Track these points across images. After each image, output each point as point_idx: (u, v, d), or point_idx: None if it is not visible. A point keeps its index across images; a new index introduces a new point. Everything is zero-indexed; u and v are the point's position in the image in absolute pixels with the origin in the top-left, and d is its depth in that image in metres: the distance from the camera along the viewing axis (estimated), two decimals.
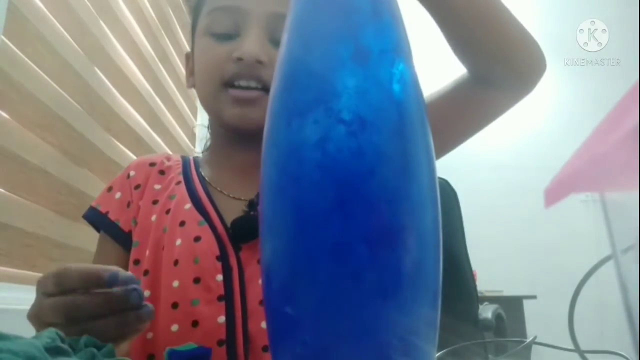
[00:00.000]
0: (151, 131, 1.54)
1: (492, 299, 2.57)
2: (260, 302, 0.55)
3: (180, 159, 0.70)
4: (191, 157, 0.71)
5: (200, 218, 0.60)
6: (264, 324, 0.54)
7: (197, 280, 0.56)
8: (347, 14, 0.27)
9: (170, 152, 1.67)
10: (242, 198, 0.62)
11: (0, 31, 0.80)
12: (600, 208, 0.22)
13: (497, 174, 3.50)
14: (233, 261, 0.57)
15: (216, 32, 0.61)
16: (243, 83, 0.59)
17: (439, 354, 0.40)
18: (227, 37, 0.61)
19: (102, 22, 1.21)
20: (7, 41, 0.84)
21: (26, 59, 0.89)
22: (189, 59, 0.70)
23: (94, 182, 1.11)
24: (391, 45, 0.28)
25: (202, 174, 0.67)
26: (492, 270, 2.90)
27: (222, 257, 0.57)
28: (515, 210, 3.37)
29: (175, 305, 0.55)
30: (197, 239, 0.58)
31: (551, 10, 3.65)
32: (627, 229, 0.20)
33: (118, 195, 0.65)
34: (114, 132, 1.26)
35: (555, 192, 0.20)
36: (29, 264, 0.89)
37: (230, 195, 0.63)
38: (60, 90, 1.01)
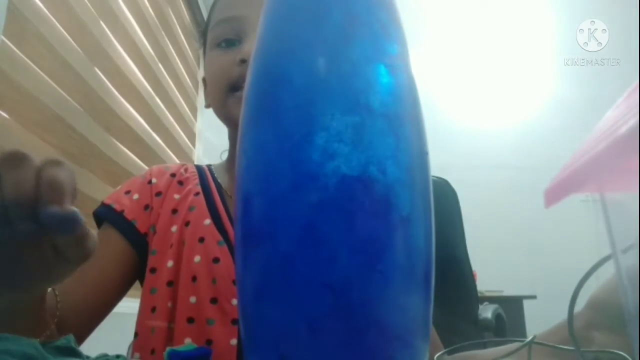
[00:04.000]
0: (151, 131, 1.54)
1: (492, 299, 2.57)
2: None
3: (195, 169, 0.71)
4: (205, 167, 0.72)
5: (219, 237, 0.61)
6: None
7: (214, 301, 0.57)
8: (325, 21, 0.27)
9: (170, 153, 1.67)
10: None
11: (0, 31, 0.80)
12: (600, 208, 0.22)
13: (497, 174, 3.50)
14: None
15: (220, 43, 0.65)
16: None
17: (438, 353, 0.40)
18: (231, 44, 0.64)
19: (102, 22, 1.21)
20: (7, 41, 0.84)
21: (26, 59, 0.89)
22: (205, 82, 0.73)
23: (94, 182, 1.11)
24: (377, 50, 0.28)
25: (220, 183, 0.68)
26: (492, 270, 2.90)
27: None
28: (515, 210, 3.37)
29: (190, 320, 0.57)
30: (215, 260, 0.59)
31: (551, 10, 3.65)
32: (627, 229, 0.20)
33: (136, 196, 0.66)
34: (114, 132, 1.26)
35: (555, 192, 0.20)
36: None
37: None
38: (60, 90, 1.01)
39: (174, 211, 0.64)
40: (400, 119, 0.26)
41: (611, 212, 0.21)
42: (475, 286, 1.16)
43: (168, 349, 0.34)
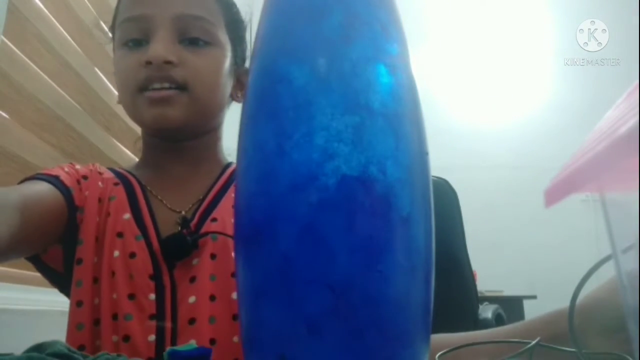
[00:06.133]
0: None
1: (492, 299, 2.57)
2: (190, 321, 0.57)
3: (106, 169, 0.69)
4: (121, 169, 0.70)
5: (137, 232, 0.60)
6: (191, 343, 0.55)
7: (131, 297, 0.57)
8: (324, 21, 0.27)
9: None
10: (178, 210, 0.63)
11: (0, 31, 0.80)
12: (600, 208, 0.22)
13: (497, 174, 3.50)
14: (166, 280, 0.58)
15: (127, 42, 0.63)
16: (157, 86, 0.60)
17: (439, 353, 0.40)
18: (138, 44, 0.63)
19: (102, 22, 1.21)
20: (7, 41, 0.84)
21: (26, 59, 0.90)
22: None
23: None
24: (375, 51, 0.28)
25: (139, 179, 0.66)
26: (492, 270, 2.90)
27: (156, 276, 0.58)
28: (515, 210, 3.37)
29: (115, 317, 0.56)
30: (132, 255, 0.58)
31: (551, 10, 3.65)
32: (627, 229, 0.20)
33: (67, 169, 0.63)
34: (114, 132, 1.26)
35: (555, 192, 0.20)
36: (29, 264, 0.89)
37: (168, 205, 0.64)
38: (60, 91, 1.01)
39: (100, 200, 0.62)
40: (400, 119, 0.26)
41: (611, 212, 0.21)
42: (475, 286, 1.16)
43: (168, 349, 0.34)
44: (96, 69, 1.18)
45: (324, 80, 0.26)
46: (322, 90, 0.26)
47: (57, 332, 0.58)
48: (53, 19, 0.99)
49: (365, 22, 0.27)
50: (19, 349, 0.36)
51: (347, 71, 0.26)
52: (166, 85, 0.60)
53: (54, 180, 0.59)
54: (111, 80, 1.25)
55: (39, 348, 0.34)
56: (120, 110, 1.29)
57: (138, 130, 1.46)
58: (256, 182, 0.26)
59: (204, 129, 0.67)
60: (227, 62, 0.66)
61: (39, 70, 0.93)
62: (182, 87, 0.61)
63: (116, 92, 1.32)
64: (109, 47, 1.24)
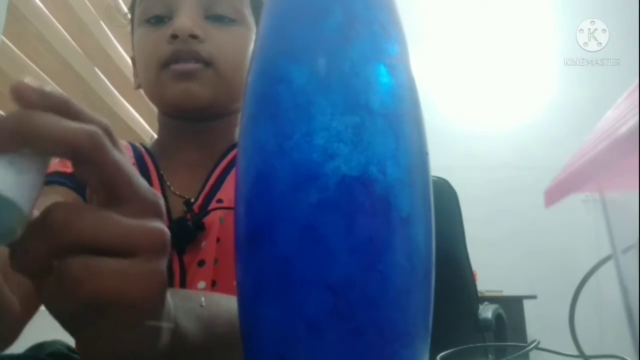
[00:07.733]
0: (151, 131, 1.54)
1: (492, 299, 2.57)
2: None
3: (127, 143, 0.66)
4: (139, 144, 0.67)
5: None
6: None
7: None
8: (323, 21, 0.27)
9: None
10: (187, 197, 0.60)
11: (0, 31, 0.80)
12: (600, 208, 0.22)
13: (497, 174, 3.50)
14: (175, 267, 0.57)
15: (150, 19, 0.61)
16: (182, 61, 0.58)
17: (442, 354, 0.40)
18: (161, 20, 0.60)
19: (102, 22, 1.21)
20: (7, 41, 0.84)
21: (26, 59, 0.90)
22: (134, 61, 0.69)
23: None
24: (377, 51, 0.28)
25: (157, 163, 0.64)
26: (492, 270, 2.91)
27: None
28: (515, 210, 3.37)
29: None
30: None
31: (551, 10, 3.65)
32: (627, 229, 0.20)
33: None
34: (114, 132, 1.26)
35: (555, 192, 0.20)
36: None
37: (177, 192, 0.61)
38: (61, 91, 1.01)
39: None
40: (400, 119, 0.26)
41: (611, 212, 0.21)
42: (475, 286, 1.16)
43: None
44: (96, 69, 1.18)
45: (323, 81, 0.26)
46: (322, 90, 0.26)
47: (57, 332, 0.58)
48: (53, 19, 0.99)
49: (365, 22, 0.27)
50: (19, 349, 0.36)
51: (347, 71, 0.26)
52: (192, 61, 0.58)
53: (69, 179, 0.57)
54: (111, 80, 1.25)
55: (39, 348, 0.34)
56: (120, 110, 1.29)
57: (138, 130, 1.46)
58: (256, 182, 0.26)
59: (227, 111, 0.65)
60: (253, 43, 0.65)
61: (39, 70, 0.93)
62: (207, 63, 0.58)
63: (116, 92, 1.32)
64: (109, 47, 1.24)
